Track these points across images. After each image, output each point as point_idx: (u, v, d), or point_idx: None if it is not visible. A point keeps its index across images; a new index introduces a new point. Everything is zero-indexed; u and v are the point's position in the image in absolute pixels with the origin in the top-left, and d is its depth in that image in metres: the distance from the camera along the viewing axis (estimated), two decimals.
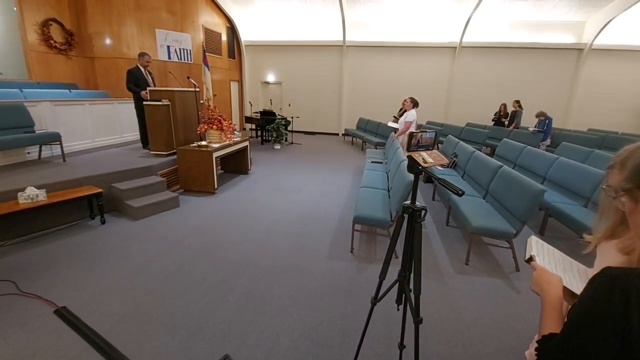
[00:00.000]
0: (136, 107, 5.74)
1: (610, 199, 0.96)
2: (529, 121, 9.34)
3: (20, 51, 6.93)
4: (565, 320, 0.76)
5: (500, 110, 10.10)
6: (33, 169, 4.50)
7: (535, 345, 1.28)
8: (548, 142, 8.39)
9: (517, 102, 9.36)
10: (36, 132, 4.93)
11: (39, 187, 3.58)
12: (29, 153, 5.01)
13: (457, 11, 10.45)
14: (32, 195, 3.44)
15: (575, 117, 11.26)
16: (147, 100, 5.34)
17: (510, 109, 9.74)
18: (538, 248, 1.05)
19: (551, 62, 10.98)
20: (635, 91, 10.92)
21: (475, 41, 11.06)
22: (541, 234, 4.20)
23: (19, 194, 3.42)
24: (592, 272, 1.06)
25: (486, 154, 5.59)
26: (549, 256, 1.04)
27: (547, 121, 8.15)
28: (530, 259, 1.01)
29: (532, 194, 3.13)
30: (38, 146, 5.02)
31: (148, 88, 5.53)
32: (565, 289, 0.93)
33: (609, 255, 0.98)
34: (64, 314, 0.64)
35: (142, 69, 5.69)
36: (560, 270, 0.97)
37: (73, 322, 0.62)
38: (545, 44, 10.82)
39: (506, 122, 9.77)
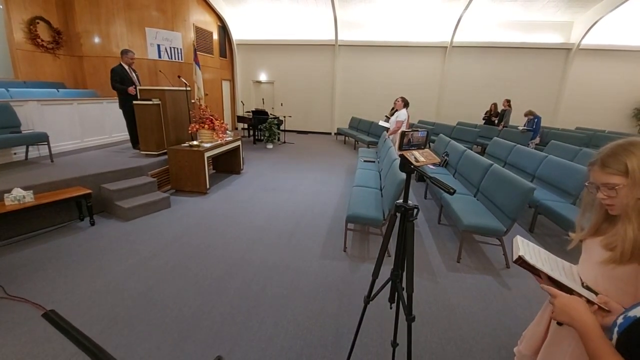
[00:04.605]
0: (121, 107, 5.60)
1: (593, 196, 0.98)
2: (518, 120, 9.48)
3: (6, 50, 6.79)
4: None
5: (490, 110, 10.23)
6: (20, 170, 4.41)
7: (522, 342, 1.29)
8: (537, 140, 8.52)
9: (508, 101, 9.48)
10: (23, 132, 4.83)
11: (26, 189, 3.51)
12: (15, 154, 4.91)
13: (448, 11, 10.54)
14: (18, 196, 3.37)
15: (563, 115, 11.46)
16: (135, 99, 5.26)
17: (500, 108, 9.87)
18: (524, 248, 1.06)
19: (540, 61, 11.15)
20: (622, 90, 11.16)
21: (466, 41, 11.17)
22: (531, 231, 4.27)
23: (5, 195, 3.35)
24: (577, 268, 1.09)
25: (477, 152, 5.66)
26: (536, 255, 1.05)
27: (536, 120, 8.29)
28: (519, 258, 1.01)
29: (522, 192, 3.18)
30: (25, 147, 4.92)
31: (137, 87, 5.45)
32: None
33: (594, 252, 1.01)
34: (53, 318, 0.62)
35: (127, 67, 5.55)
36: (547, 269, 0.99)
37: (62, 326, 0.61)
38: (534, 44, 10.98)
39: (496, 121, 9.89)
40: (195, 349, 2.14)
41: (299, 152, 9.30)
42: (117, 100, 5.61)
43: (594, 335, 0.80)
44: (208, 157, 5.19)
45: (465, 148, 5.40)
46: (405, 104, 6.19)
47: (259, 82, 13.21)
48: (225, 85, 12.72)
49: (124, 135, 6.43)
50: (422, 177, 1.51)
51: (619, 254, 0.88)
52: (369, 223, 3.53)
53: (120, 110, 5.68)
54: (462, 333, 2.37)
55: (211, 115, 5.54)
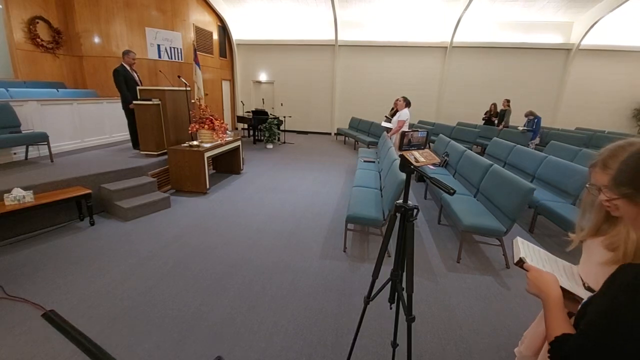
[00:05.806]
0: (124, 107, 5.60)
1: (593, 197, 0.98)
2: (518, 120, 9.49)
3: (5, 50, 6.78)
4: (586, 320, 0.73)
5: (490, 110, 10.23)
6: (20, 170, 4.41)
7: (547, 347, 1.29)
8: (537, 141, 8.53)
9: (507, 101, 9.49)
10: (22, 132, 4.83)
11: (25, 189, 3.51)
12: (15, 154, 4.91)
13: (448, 11, 10.54)
14: (18, 196, 3.37)
15: (563, 116, 11.46)
16: (137, 100, 5.25)
17: (500, 109, 9.87)
18: (524, 249, 1.05)
19: (540, 62, 11.15)
20: (621, 90, 11.16)
21: (466, 41, 11.17)
22: (531, 231, 4.27)
23: (5, 195, 3.35)
24: (577, 268, 1.08)
25: (477, 153, 5.65)
26: (537, 256, 1.05)
27: (536, 120, 8.30)
28: (520, 261, 1.01)
29: (522, 192, 3.18)
30: (25, 146, 4.92)
31: (137, 87, 5.44)
32: None
33: (595, 252, 1.00)
34: (52, 318, 0.62)
35: (129, 68, 5.53)
36: (547, 269, 0.99)
37: (61, 326, 0.61)
38: (534, 44, 10.98)
39: (496, 122, 9.90)
40: (195, 349, 2.14)
41: (298, 152, 9.30)
42: (117, 100, 5.58)
43: (553, 305, 0.88)
44: (208, 157, 5.19)
45: (465, 148, 5.40)
46: (407, 104, 6.17)
47: (259, 82, 13.21)
48: (225, 85, 12.72)
49: (124, 135, 6.42)
50: (422, 177, 1.51)
51: (621, 255, 0.87)
52: (368, 223, 3.53)
53: (122, 110, 5.65)
54: (462, 333, 2.37)
55: (211, 115, 5.53)
